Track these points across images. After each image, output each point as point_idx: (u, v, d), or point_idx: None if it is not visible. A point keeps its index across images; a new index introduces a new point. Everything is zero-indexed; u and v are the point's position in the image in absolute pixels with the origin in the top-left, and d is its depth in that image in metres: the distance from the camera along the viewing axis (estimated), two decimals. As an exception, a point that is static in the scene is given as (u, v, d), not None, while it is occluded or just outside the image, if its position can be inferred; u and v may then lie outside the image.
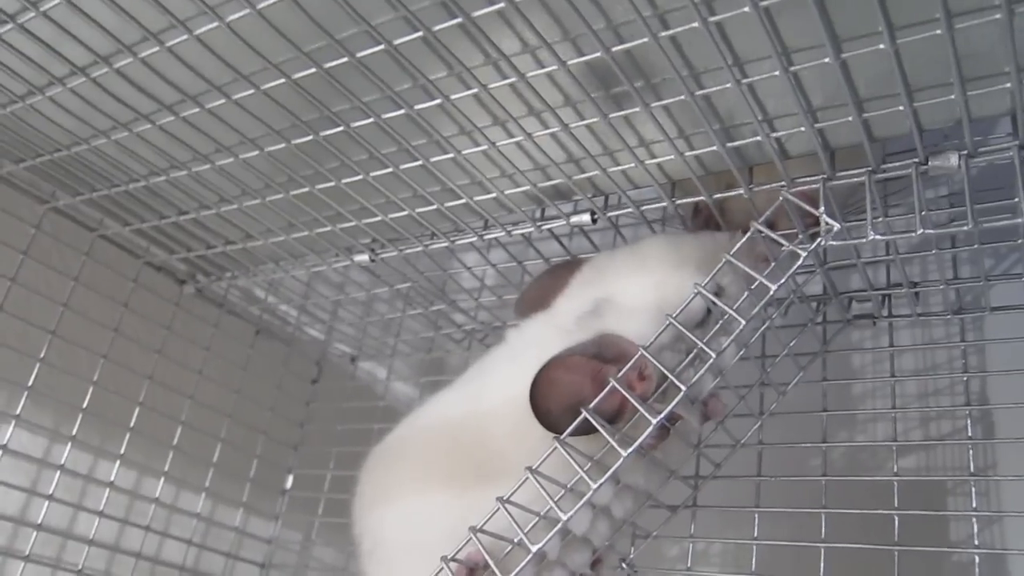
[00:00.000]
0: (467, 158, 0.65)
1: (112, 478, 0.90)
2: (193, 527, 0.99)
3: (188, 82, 0.62)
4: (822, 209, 0.59)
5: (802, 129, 0.57)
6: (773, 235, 0.60)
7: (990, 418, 0.85)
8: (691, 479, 0.79)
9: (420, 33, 0.52)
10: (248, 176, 0.73)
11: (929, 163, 0.57)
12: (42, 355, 0.85)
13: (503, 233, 0.74)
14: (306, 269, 0.89)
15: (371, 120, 0.62)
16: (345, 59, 0.55)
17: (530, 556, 0.58)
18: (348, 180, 0.70)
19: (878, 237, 0.57)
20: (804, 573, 0.72)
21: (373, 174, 0.68)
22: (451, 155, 0.65)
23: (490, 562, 0.59)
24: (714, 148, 0.60)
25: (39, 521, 0.84)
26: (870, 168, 0.59)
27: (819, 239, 0.58)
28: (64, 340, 0.86)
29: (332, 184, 0.70)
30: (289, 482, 1.11)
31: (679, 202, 0.67)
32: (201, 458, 0.99)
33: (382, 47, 0.54)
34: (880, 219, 0.60)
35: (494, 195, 0.70)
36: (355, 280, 1.00)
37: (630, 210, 0.69)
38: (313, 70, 0.57)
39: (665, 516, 0.77)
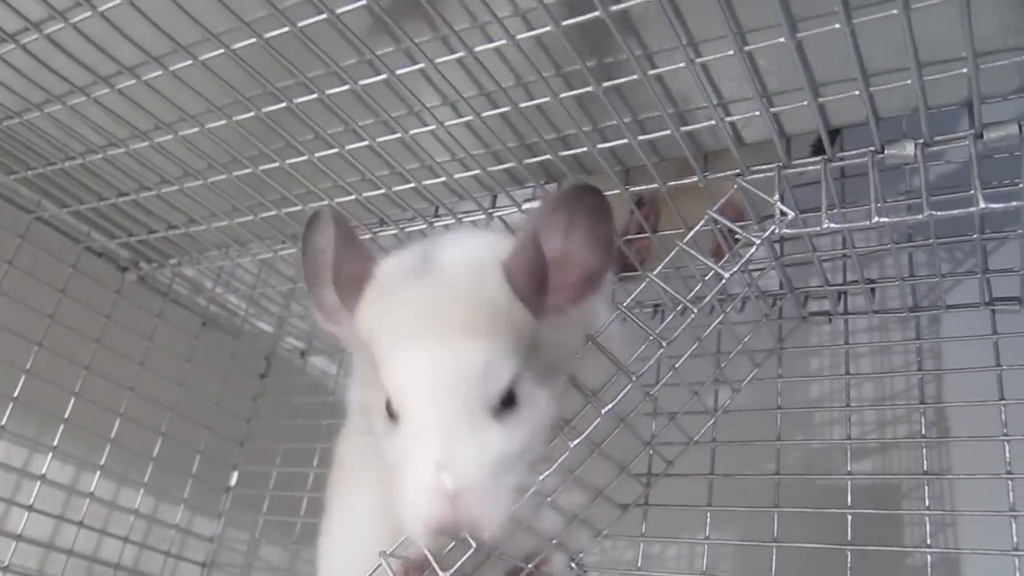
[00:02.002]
0: (416, 139, 0.63)
1: (44, 471, 0.86)
2: (131, 524, 0.95)
3: (125, 52, 0.59)
4: (777, 197, 0.58)
5: (757, 113, 0.55)
6: (727, 222, 0.58)
7: (946, 420, 0.85)
8: (643, 476, 0.77)
9: (364, 1, 0.50)
10: (189, 156, 0.70)
11: (885, 152, 0.56)
12: (-29, 341, 0.81)
13: (453, 221, 0.72)
14: (252, 257, 0.86)
15: (315, 96, 0.59)
16: (287, 29, 0.53)
17: (470, 551, 0.56)
18: (293, 161, 0.67)
19: (832, 225, 0.55)
20: (756, 573, 0.70)
21: (318, 154, 0.66)
22: (399, 135, 0.62)
23: (430, 559, 0.57)
24: (668, 132, 0.58)
25: (-36, 515, 0.80)
26: (826, 157, 0.58)
27: (773, 226, 0.57)
28: (-5, 326, 0.83)
29: (276, 165, 0.68)
30: (234, 479, 1.08)
31: (633, 189, 0.65)
32: (141, 453, 0.96)
33: (324, 16, 0.52)
34: (836, 210, 0.59)
35: (444, 179, 0.67)
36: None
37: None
38: (254, 40, 0.55)
39: (616, 514, 0.76)
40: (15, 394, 0.84)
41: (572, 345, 0.55)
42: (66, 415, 0.88)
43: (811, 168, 0.59)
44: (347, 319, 0.56)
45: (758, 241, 0.56)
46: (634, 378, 0.55)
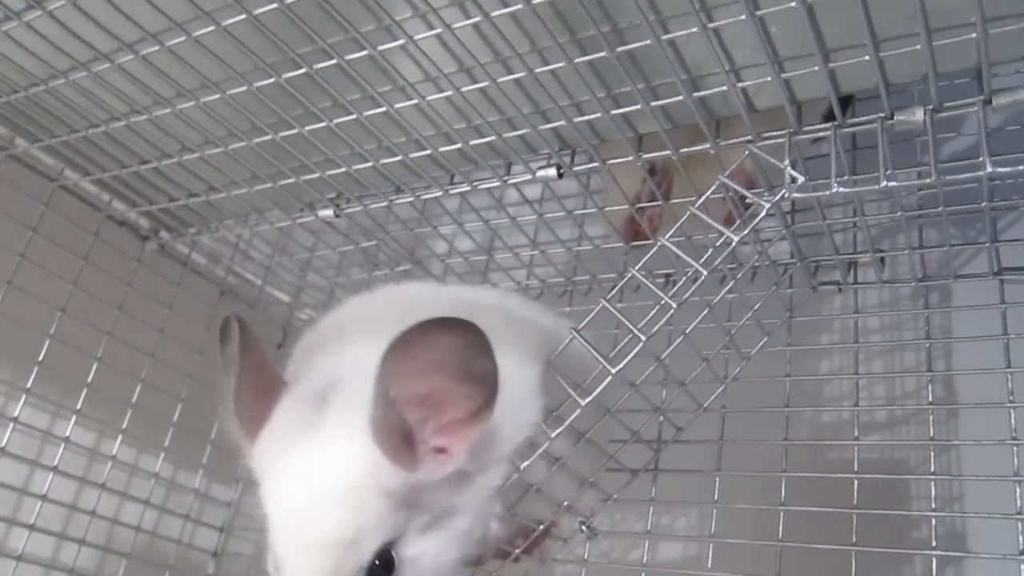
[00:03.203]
0: (432, 105, 0.64)
1: (68, 434, 0.89)
2: (151, 488, 0.97)
3: (149, 19, 0.61)
4: (787, 163, 0.59)
5: (769, 80, 0.56)
6: (737, 187, 0.59)
7: (955, 394, 0.86)
8: (653, 443, 0.78)
9: (383, -34, 0.52)
10: (210, 123, 0.72)
11: (895, 118, 0.57)
12: (-3, 305, 0.83)
13: (468, 187, 0.73)
14: (270, 225, 0.88)
15: (334, 61, 0.60)
16: (307, -6, 0.54)
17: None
18: (312, 127, 0.68)
19: (842, 190, 0.56)
20: (763, 537, 0.72)
21: (337, 121, 0.67)
22: (415, 101, 0.64)
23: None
24: (680, 98, 0.59)
25: (-9, 475, 0.82)
26: (836, 123, 0.59)
27: (783, 191, 0.58)
28: (20, 291, 0.84)
29: (295, 132, 0.69)
30: (251, 446, 1.09)
31: (645, 156, 0.66)
32: (161, 418, 0.98)
33: (344, -19, 0.53)
34: (846, 177, 0.60)
35: (459, 146, 0.69)
36: (324, 240, 0.99)
37: (596, 165, 0.68)
38: (275, 6, 0.56)
39: (626, 479, 0.77)
40: (39, 358, 0.86)
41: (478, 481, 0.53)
42: (89, 380, 0.90)
43: (822, 135, 0.60)
44: (248, 448, 0.56)
45: (768, 205, 0.57)
46: (644, 338, 0.57)
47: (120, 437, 0.94)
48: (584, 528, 0.76)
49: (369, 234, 0.90)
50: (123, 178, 0.86)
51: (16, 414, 0.84)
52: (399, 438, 0.48)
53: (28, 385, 0.85)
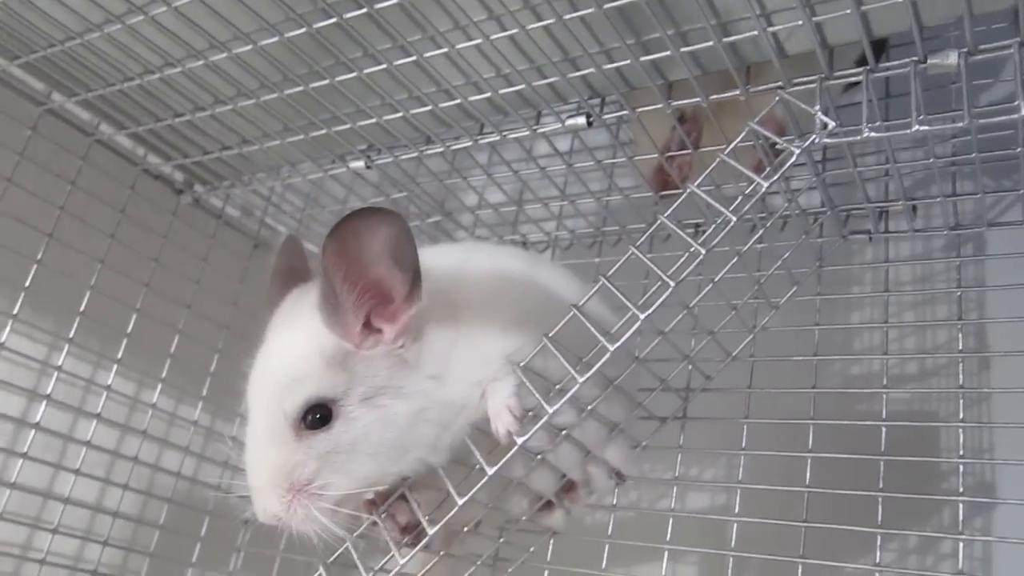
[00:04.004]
0: (462, 54, 0.64)
1: (110, 382, 0.91)
2: (191, 436, 1.00)
3: (180, -30, 0.61)
4: (818, 108, 0.59)
5: (800, 23, 0.56)
6: (768, 134, 0.59)
7: (987, 345, 0.86)
8: (681, 391, 0.79)
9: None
10: (243, 75, 0.73)
11: (928, 61, 0.56)
12: (39, 257, 0.85)
13: (498, 137, 0.74)
14: (302, 177, 0.89)
15: (364, 10, 0.61)
16: (336, -58, 0.55)
17: (514, 448, 0.59)
18: (342, 78, 0.69)
19: (873, 135, 0.56)
20: (791, 484, 0.72)
21: (367, 71, 0.68)
22: (444, 50, 0.64)
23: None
24: (710, 44, 0.59)
25: (37, 420, 0.85)
26: (868, 67, 0.58)
27: (813, 136, 0.57)
28: (61, 243, 0.86)
29: (327, 83, 0.70)
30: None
31: (675, 103, 0.66)
32: (199, 367, 1.00)
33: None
34: (878, 123, 0.59)
35: (489, 95, 0.69)
36: (355, 192, 1.00)
37: (625, 113, 0.68)
38: (305, -46, 0.56)
39: (655, 427, 0.78)
40: (81, 309, 0.88)
41: (424, 369, 0.58)
42: (128, 330, 0.93)
43: (854, 80, 0.59)
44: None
45: (798, 151, 0.57)
46: (672, 284, 0.57)
47: (160, 386, 0.96)
48: (613, 475, 0.77)
49: (400, 186, 0.91)
50: (158, 131, 0.87)
51: (60, 363, 0.87)
52: (339, 312, 0.55)
53: (71, 335, 0.87)
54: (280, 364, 0.57)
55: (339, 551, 0.61)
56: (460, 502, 0.57)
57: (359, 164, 0.82)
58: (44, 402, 0.85)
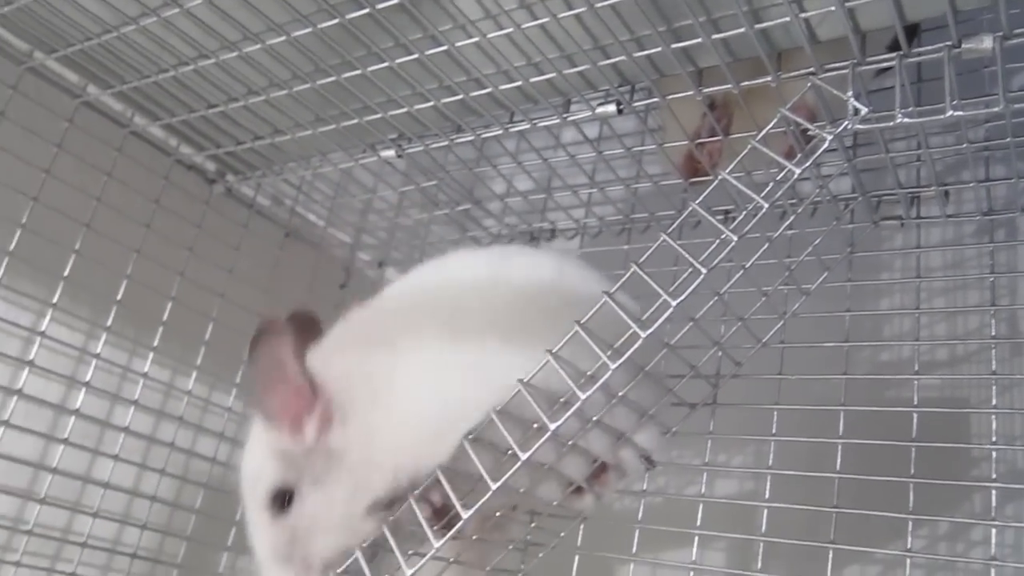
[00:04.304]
0: (492, 43, 0.65)
1: (146, 369, 0.93)
2: (225, 421, 1.01)
3: (214, -37, 0.62)
4: (850, 94, 0.58)
5: (832, 9, 0.56)
6: (799, 120, 0.59)
7: (1020, 332, 0.85)
8: (712, 378, 0.79)
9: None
10: (275, 66, 0.73)
11: (962, 46, 0.56)
12: (77, 247, 0.87)
13: (528, 125, 0.74)
14: (333, 166, 0.89)
15: (396, 1, 0.61)
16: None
17: (547, 435, 0.59)
18: (374, 68, 0.70)
19: (907, 120, 0.56)
20: (820, 470, 0.73)
21: (399, 61, 0.68)
22: (476, 39, 0.64)
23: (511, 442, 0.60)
24: (742, 31, 0.59)
25: (77, 407, 0.86)
26: (901, 52, 0.58)
27: (846, 123, 0.57)
28: (98, 233, 0.88)
29: (358, 72, 0.70)
30: (318, 382, 1.13)
31: (706, 90, 0.66)
32: (233, 355, 1.02)
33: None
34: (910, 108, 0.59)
35: (519, 84, 0.69)
36: (384, 181, 1.00)
37: (656, 100, 0.68)
38: (337, -54, 0.57)
39: (685, 413, 0.78)
40: (118, 297, 0.90)
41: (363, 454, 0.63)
42: (164, 318, 0.94)
43: (886, 65, 0.59)
44: None
45: (830, 137, 0.57)
46: (704, 271, 0.57)
47: (194, 373, 0.98)
48: (644, 461, 0.77)
49: (428, 174, 0.92)
50: (191, 122, 0.88)
51: (98, 351, 0.89)
52: (269, 413, 0.63)
53: (108, 323, 0.89)
54: (248, 461, 0.66)
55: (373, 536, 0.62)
56: (494, 487, 0.58)
57: (390, 153, 0.82)
58: (83, 389, 0.87)
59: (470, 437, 0.60)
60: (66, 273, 0.86)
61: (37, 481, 0.84)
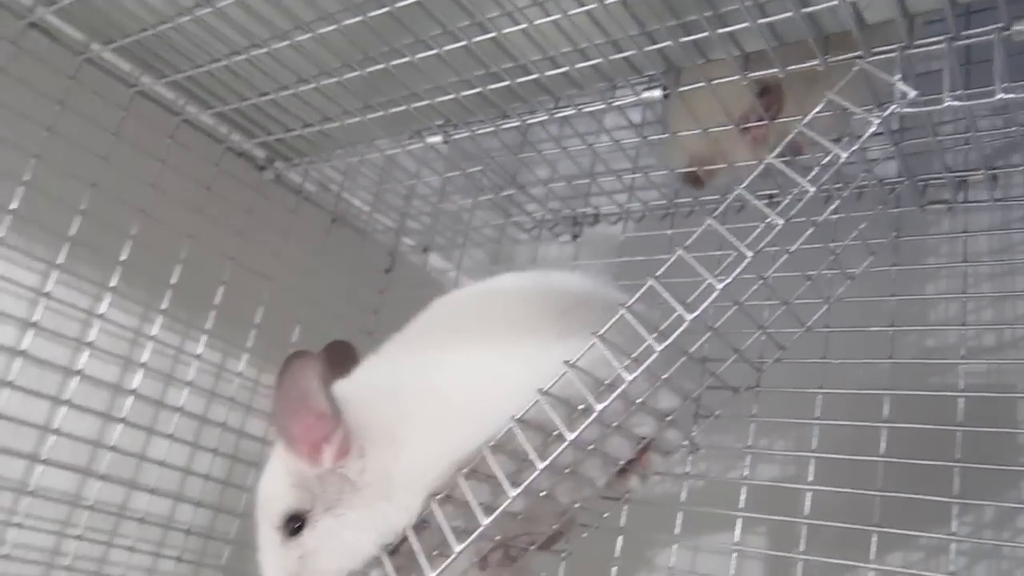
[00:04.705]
0: (540, 29, 0.66)
1: (199, 351, 0.95)
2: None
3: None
4: (898, 76, 0.58)
5: (881, -8, 0.56)
6: (847, 104, 0.59)
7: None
8: (756, 362, 0.80)
9: None
10: (325, 54, 0.75)
11: (1013, 28, 0.56)
12: (133, 232, 0.89)
13: (573, 111, 0.75)
14: (380, 153, 0.91)
15: (444, -13, 0.62)
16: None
17: (591, 419, 0.60)
18: (422, 55, 0.71)
19: (955, 103, 0.56)
20: (866, 454, 0.73)
21: (446, 48, 0.69)
22: (523, 26, 0.65)
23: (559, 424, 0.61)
24: (789, 14, 0.59)
25: (134, 387, 0.89)
26: (950, 35, 0.58)
27: (893, 106, 0.57)
28: (153, 219, 0.90)
29: (407, 60, 0.72)
30: (363, 366, 1.15)
31: (751, 75, 0.66)
32: (281, 338, 1.04)
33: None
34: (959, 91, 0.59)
35: (565, 69, 0.70)
36: (429, 166, 1.02)
37: (702, 84, 0.68)
38: (388, -65, 0.58)
39: (728, 397, 0.79)
40: (172, 280, 0.92)
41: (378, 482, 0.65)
42: (216, 301, 0.97)
43: (934, 48, 0.59)
44: None
45: (877, 121, 0.57)
46: (749, 255, 0.58)
47: (245, 356, 1.00)
48: (686, 443, 0.78)
49: (472, 159, 0.93)
50: (242, 110, 0.90)
51: (153, 333, 0.91)
52: (291, 439, 0.65)
53: (163, 306, 0.92)
54: (265, 483, 0.68)
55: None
56: (540, 466, 0.59)
57: (436, 139, 0.84)
58: (140, 370, 0.90)
59: (517, 418, 0.61)
60: (123, 257, 0.88)
61: (96, 459, 0.87)
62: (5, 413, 0.79)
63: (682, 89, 0.71)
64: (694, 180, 0.84)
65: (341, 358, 0.75)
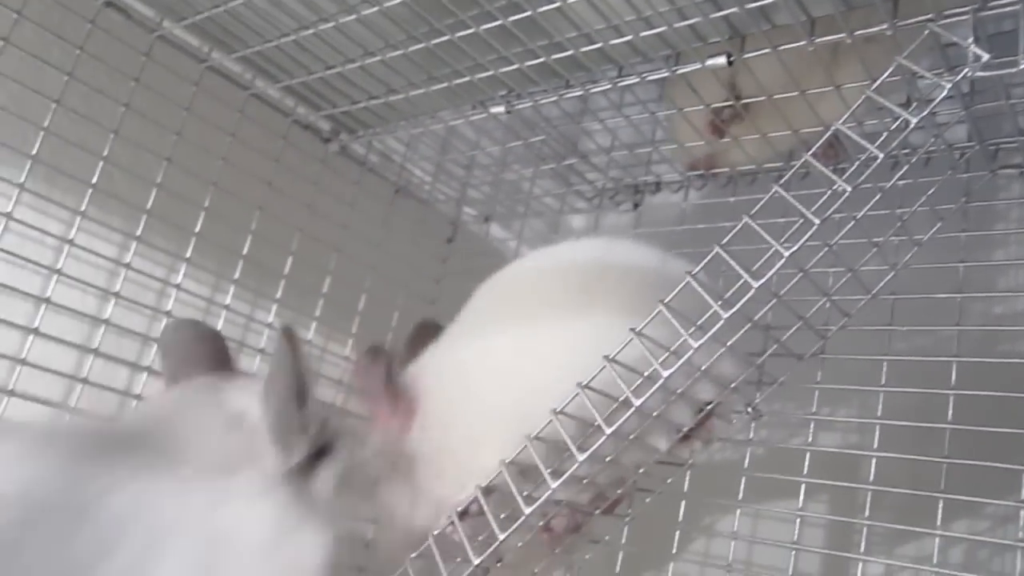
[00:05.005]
0: (604, -1, 0.66)
1: (270, 320, 0.98)
2: (342, 371, 1.06)
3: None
4: (971, 40, 0.57)
5: (953, -47, 0.55)
6: (918, 69, 0.58)
7: None
8: (821, 329, 0.79)
9: None
10: (390, 27, 0.76)
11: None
12: (206, 204, 0.92)
13: (636, 80, 0.75)
14: (443, 123, 0.92)
15: (510, -40, 0.63)
16: None
17: (656, 385, 0.61)
18: (487, 26, 0.72)
19: (1030, 66, 0.55)
20: (930, 422, 0.72)
21: (512, 19, 0.70)
22: (589, -6, 0.65)
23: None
24: (858, -22, 0.58)
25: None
26: (1026, -4, 0.57)
27: (965, 70, 0.56)
28: (224, 191, 0.93)
29: (471, 31, 0.73)
30: (429, 335, 1.17)
31: (818, 40, 0.65)
32: (349, 308, 1.06)
33: None
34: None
35: (629, 38, 0.70)
36: (490, 136, 1.03)
37: (767, 51, 0.68)
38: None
39: (792, 364, 0.79)
40: (243, 251, 0.95)
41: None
42: (285, 271, 1.00)
43: (1009, 9, 0.58)
44: None
45: (948, 85, 0.56)
46: (817, 222, 0.58)
47: (313, 324, 1.03)
48: (749, 410, 0.79)
49: (533, 128, 0.94)
50: (308, 84, 0.92)
51: (227, 302, 0.95)
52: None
53: (235, 276, 0.95)
54: None
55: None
56: (608, 431, 0.60)
57: (499, 109, 0.85)
58: (215, 338, 0.93)
59: (584, 385, 0.62)
60: (197, 229, 0.91)
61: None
62: (91, 380, 0.82)
63: (747, 56, 0.71)
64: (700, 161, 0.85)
65: (429, 337, 0.81)
